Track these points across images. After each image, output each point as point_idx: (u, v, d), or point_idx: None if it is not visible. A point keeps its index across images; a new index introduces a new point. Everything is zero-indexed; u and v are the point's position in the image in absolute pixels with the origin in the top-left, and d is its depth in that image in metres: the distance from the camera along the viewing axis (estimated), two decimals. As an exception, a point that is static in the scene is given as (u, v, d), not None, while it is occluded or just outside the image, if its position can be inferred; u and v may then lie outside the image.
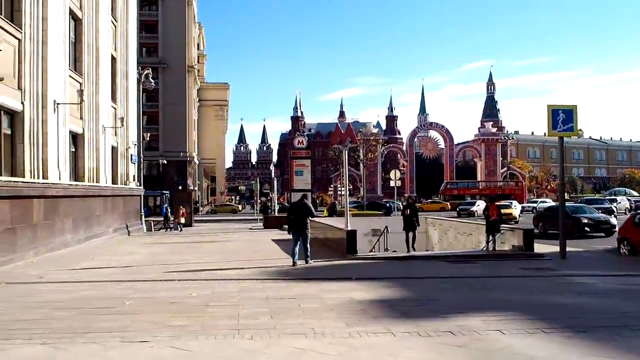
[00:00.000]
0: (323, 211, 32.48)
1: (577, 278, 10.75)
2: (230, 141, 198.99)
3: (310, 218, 13.15)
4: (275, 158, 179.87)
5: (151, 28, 60.39)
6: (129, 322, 6.53)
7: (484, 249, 15.44)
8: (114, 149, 23.71)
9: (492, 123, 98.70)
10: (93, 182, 20.11)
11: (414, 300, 8.29)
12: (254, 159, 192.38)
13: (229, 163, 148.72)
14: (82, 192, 18.58)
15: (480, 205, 41.67)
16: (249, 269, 11.76)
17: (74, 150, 18.89)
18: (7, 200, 12.57)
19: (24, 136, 14.16)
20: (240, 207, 70.84)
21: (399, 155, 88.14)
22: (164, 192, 45.89)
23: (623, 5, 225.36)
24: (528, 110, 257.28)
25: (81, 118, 19.20)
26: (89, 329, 6.18)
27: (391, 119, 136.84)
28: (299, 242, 12.56)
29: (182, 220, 28.84)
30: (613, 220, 22.51)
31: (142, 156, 29.06)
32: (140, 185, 27.77)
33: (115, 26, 24.30)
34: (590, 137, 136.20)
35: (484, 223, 15.74)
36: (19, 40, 14.06)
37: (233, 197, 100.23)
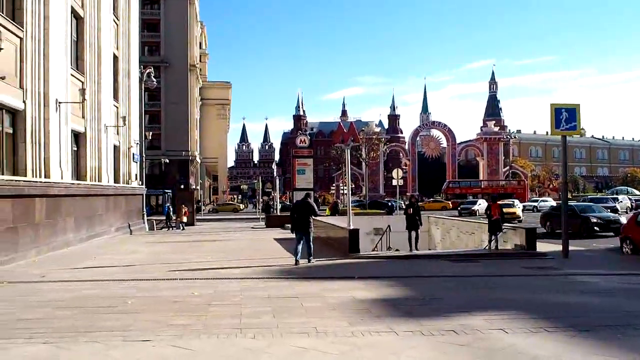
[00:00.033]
0: (325, 210, 32.48)
1: (579, 277, 10.72)
2: (233, 140, 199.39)
3: (313, 217, 13.10)
4: (277, 157, 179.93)
5: (153, 27, 60.43)
6: (131, 321, 6.53)
7: (487, 248, 15.42)
8: (116, 148, 23.71)
9: (494, 122, 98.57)
10: (95, 181, 20.13)
11: (417, 299, 8.27)
12: (256, 158, 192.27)
13: (231, 162, 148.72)
14: (84, 191, 18.59)
15: (481, 205, 41.67)
16: (251, 268, 11.75)
17: (76, 149, 18.89)
18: (9, 199, 12.59)
19: (25, 135, 14.16)
20: (242, 206, 70.98)
21: (401, 154, 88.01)
22: (166, 191, 45.85)
23: (623, 5, 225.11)
24: (530, 109, 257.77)
25: (83, 117, 19.21)
26: (91, 328, 6.18)
27: (393, 118, 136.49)
28: (301, 241, 12.51)
29: (184, 219, 28.83)
30: (623, 220, 22.20)
31: (144, 155, 29.09)
32: (142, 185, 27.79)
33: (117, 25, 24.30)
34: (592, 136, 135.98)
35: (486, 222, 15.73)
36: (21, 38, 14.06)
37: (235, 196, 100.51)
